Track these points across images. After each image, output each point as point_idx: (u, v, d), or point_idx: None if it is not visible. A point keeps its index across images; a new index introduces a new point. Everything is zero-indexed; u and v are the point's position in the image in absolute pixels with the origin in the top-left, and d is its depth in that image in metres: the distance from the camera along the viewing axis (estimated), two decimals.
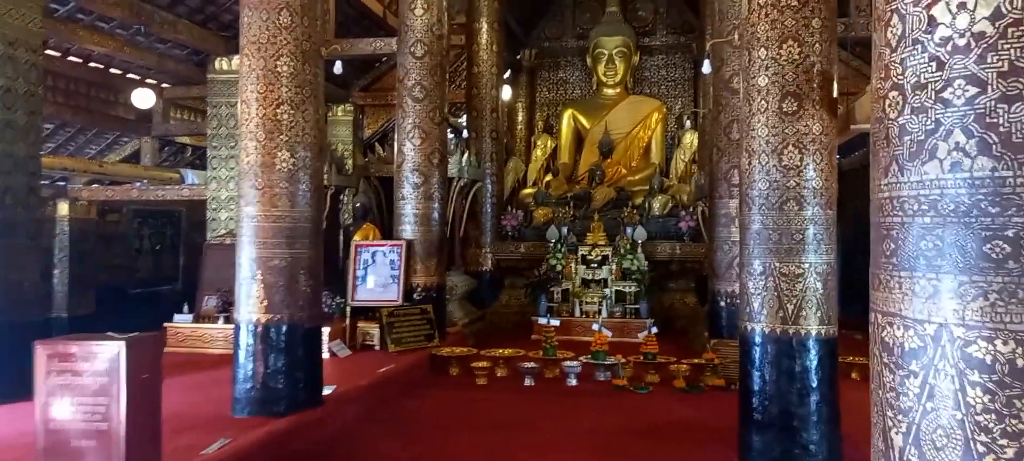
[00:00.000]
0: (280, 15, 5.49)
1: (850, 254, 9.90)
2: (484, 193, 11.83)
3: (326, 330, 7.82)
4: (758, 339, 4.83)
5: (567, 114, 14.22)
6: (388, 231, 9.28)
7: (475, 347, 8.64)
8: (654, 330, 7.83)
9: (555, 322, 8.16)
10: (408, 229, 8.61)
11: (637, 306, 10.42)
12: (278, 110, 5.44)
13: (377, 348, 8.25)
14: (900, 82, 1.76)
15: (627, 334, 9.83)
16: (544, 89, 15.17)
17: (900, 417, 1.73)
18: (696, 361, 7.56)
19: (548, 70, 15.22)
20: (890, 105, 1.79)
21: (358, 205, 9.18)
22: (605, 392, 7.13)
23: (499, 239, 12.11)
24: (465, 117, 12.05)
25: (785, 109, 4.75)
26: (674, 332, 10.22)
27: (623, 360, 7.55)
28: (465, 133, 11.70)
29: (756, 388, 4.83)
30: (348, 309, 8.44)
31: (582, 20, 14.96)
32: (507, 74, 13.50)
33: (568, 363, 7.52)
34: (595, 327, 7.88)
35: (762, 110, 4.83)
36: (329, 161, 9.07)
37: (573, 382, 7.43)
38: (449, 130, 10.32)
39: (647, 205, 11.91)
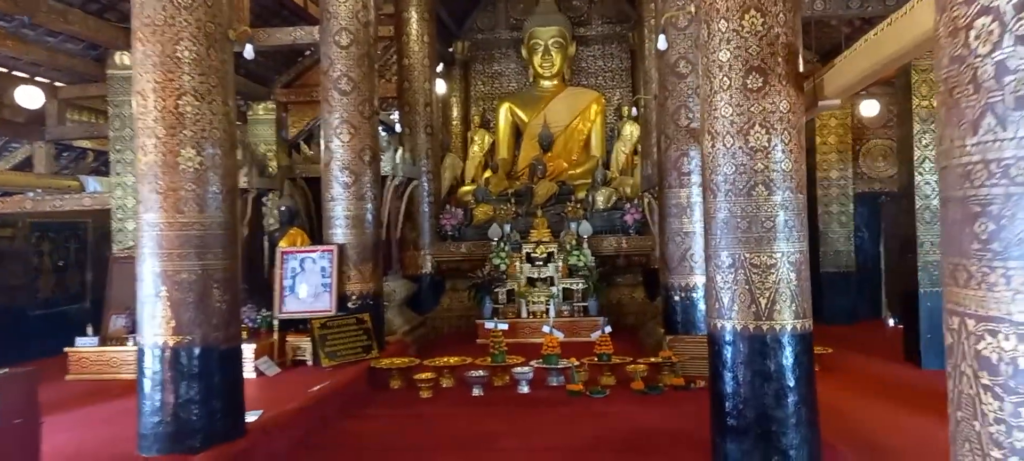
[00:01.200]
0: None
1: None
2: (420, 192, 11.20)
3: (251, 347, 7.12)
4: (729, 337, 4.42)
5: (504, 107, 13.71)
6: (317, 235, 8.57)
7: (417, 356, 8.04)
8: (608, 329, 7.41)
9: (503, 325, 7.62)
10: (339, 232, 7.93)
11: (586, 303, 10.01)
12: (180, 102, 4.72)
13: (309, 363, 7.56)
14: (993, 4, 1.30)
15: (577, 333, 9.40)
16: (479, 82, 14.62)
17: (1013, 460, 1.27)
18: (653, 360, 7.18)
19: (482, 63, 14.67)
20: (978, 38, 1.33)
21: (283, 208, 8.43)
22: (560, 399, 6.65)
23: (438, 240, 11.51)
24: (396, 112, 11.39)
25: (750, 85, 4.36)
26: (625, 328, 9.87)
27: (577, 363, 7.09)
28: (398, 128, 11.04)
29: (729, 391, 4.42)
30: (276, 322, 7.71)
31: (515, 11, 14.47)
32: (440, 67, 12.89)
33: (519, 369, 7.01)
34: (545, 329, 7.40)
35: (725, 87, 4.42)
36: (249, 162, 8.29)
37: (525, 389, 6.93)
38: (380, 126, 9.67)
39: (590, 199, 11.53)
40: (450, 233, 11.48)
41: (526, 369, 7.01)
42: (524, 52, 13.82)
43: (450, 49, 14.20)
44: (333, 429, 6.00)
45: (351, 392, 6.95)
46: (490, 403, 6.65)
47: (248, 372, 7.06)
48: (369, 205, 8.01)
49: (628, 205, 11.21)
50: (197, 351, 4.76)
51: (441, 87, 12.59)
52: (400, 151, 9.43)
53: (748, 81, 4.36)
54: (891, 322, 10.57)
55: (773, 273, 4.32)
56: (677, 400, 6.47)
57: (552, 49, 13.53)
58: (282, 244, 8.29)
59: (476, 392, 6.87)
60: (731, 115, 4.39)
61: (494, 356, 7.37)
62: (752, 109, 4.35)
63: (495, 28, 14.58)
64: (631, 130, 13.14)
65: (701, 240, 7.51)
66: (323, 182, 8.04)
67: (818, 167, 10.58)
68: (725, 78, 4.42)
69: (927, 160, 7.23)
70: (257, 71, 11.41)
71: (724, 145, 4.43)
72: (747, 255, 4.35)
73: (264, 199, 9.01)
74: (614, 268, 10.97)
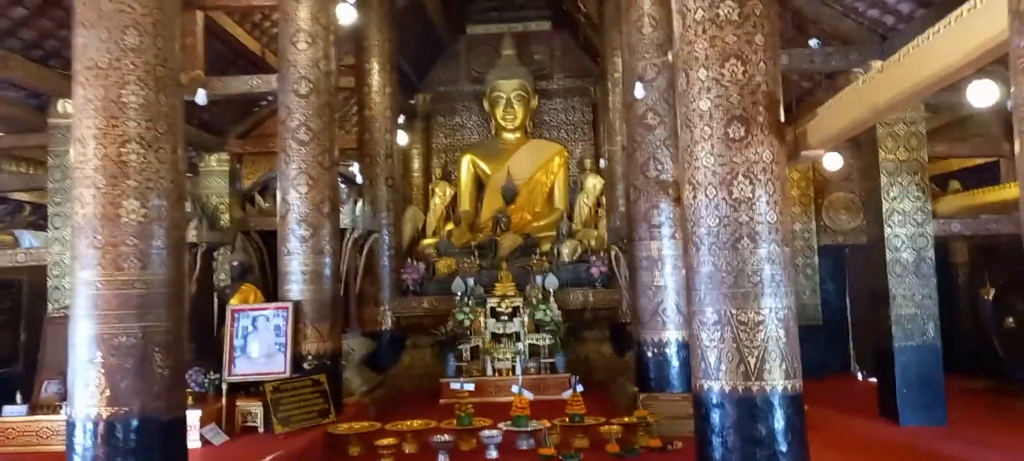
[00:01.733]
0: (125, 34, 4.46)
1: None
2: (381, 245, 10.84)
3: (196, 414, 6.60)
4: (717, 399, 4.18)
5: (466, 159, 13.52)
6: (272, 292, 8.12)
7: (378, 419, 7.58)
8: (580, 388, 7.08)
9: (470, 386, 7.24)
10: (295, 288, 7.50)
11: (553, 360, 9.68)
12: (123, 149, 4.37)
13: (261, 430, 7.04)
14: None
15: (545, 390, 9.07)
16: (440, 135, 14.43)
17: None
18: (628, 420, 6.86)
19: (444, 115, 14.51)
20: None
21: (235, 264, 7.98)
22: None
23: (399, 294, 11.11)
24: (356, 164, 11.10)
25: (732, 135, 4.21)
26: (593, 385, 9.51)
27: (548, 425, 6.73)
28: (358, 179, 10.72)
29: (718, 457, 4.16)
30: (224, 386, 7.18)
31: (477, 64, 14.41)
32: (401, 119, 12.67)
33: (487, 433, 6.62)
34: (515, 389, 7.04)
35: (706, 137, 4.27)
36: (199, 214, 7.86)
37: (493, 455, 6.52)
38: (340, 178, 9.34)
39: (556, 251, 11.31)
40: (411, 287, 11.10)
41: (494, 432, 6.62)
42: (486, 105, 13.71)
43: (412, 101, 14.04)
44: None
45: None
46: None
47: (193, 441, 6.54)
48: (328, 259, 7.63)
49: (594, 257, 11.03)
50: (134, 423, 4.31)
51: (402, 138, 12.36)
52: (360, 203, 9.10)
53: (730, 131, 4.21)
54: (860, 376, 10.51)
55: (761, 330, 4.11)
56: None
57: (514, 102, 13.45)
58: (233, 301, 7.82)
59: (442, 459, 6.44)
60: (713, 165, 4.23)
61: (460, 418, 6.97)
62: (735, 159, 4.19)
63: (457, 81, 14.47)
64: (594, 182, 13.08)
65: (674, 294, 7.34)
66: (279, 235, 7.64)
67: None
68: (706, 127, 4.27)
69: (896, 213, 7.21)
70: (211, 121, 11.00)
71: (706, 196, 4.25)
72: (734, 311, 4.14)
73: (215, 254, 8.54)
74: (581, 322, 10.71)
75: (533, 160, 13.23)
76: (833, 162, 9.76)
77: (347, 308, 9.48)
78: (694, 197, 4.32)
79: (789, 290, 4.22)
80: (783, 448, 4.05)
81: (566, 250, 11.26)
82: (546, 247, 11.58)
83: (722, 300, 4.16)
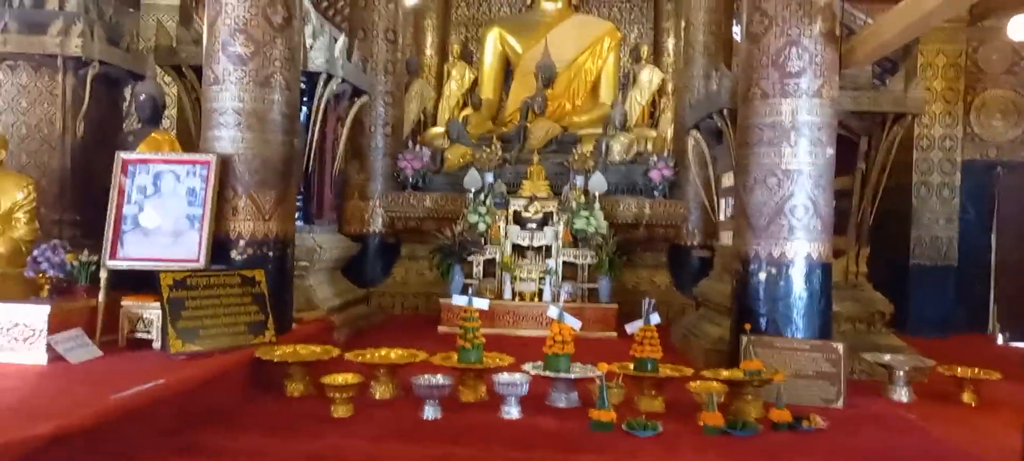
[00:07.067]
0: None
1: None
2: (374, 117, 8.21)
3: (43, 312, 4.15)
4: None
5: (493, 34, 10.72)
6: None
7: (344, 346, 5.12)
8: (655, 318, 4.49)
9: (483, 303, 4.65)
10: (225, 136, 4.91)
11: (595, 286, 7.12)
12: None
13: (158, 345, 4.57)
14: None
15: (584, 326, 6.50)
16: (462, 4, 11.58)
17: None
18: (727, 375, 4.29)
19: None
20: None
21: (142, 98, 5.37)
22: (578, 435, 3.71)
23: (395, 187, 8.53)
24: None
25: None
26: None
27: (607, 371, 4.12)
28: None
29: None
30: (104, 274, 4.66)
31: None
32: None
33: (504, 378, 4.07)
34: (552, 313, 4.45)
35: None
36: (88, 20, 5.22)
37: (514, 413, 4.00)
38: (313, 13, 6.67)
39: (604, 146, 8.61)
40: (411, 180, 8.49)
41: (516, 378, 4.08)
42: None
43: None
44: None
45: (212, 399, 3.97)
46: (452, 434, 3.69)
47: (36, 354, 4.10)
48: (277, 97, 4.99)
49: (655, 158, 8.34)
50: None
51: None
52: (342, 42, 6.42)
53: None
54: (1000, 338, 7.95)
55: None
56: (789, 452, 3.59)
57: None
58: (140, 150, 5.27)
59: (429, 413, 3.93)
60: None
61: (463, 351, 4.42)
62: None
63: None
64: (651, 76, 10.35)
65: (810, 185, 4.69)
66: (205, 54, 5.01)
67: (917, 120, 7.81)
68: None
69: None
70: None
71: None
72: None
73: (124, 88, 5.94)
74: (631, 240, 8.09)
75: (577, 39, 10.39)
76: (1020, 29, 6.89)
77: (320, 193, 6.91)
78: None
79: None
80: None
81: (618, 146, 8.57)
82: (588, 148, 8.90)
83: None
